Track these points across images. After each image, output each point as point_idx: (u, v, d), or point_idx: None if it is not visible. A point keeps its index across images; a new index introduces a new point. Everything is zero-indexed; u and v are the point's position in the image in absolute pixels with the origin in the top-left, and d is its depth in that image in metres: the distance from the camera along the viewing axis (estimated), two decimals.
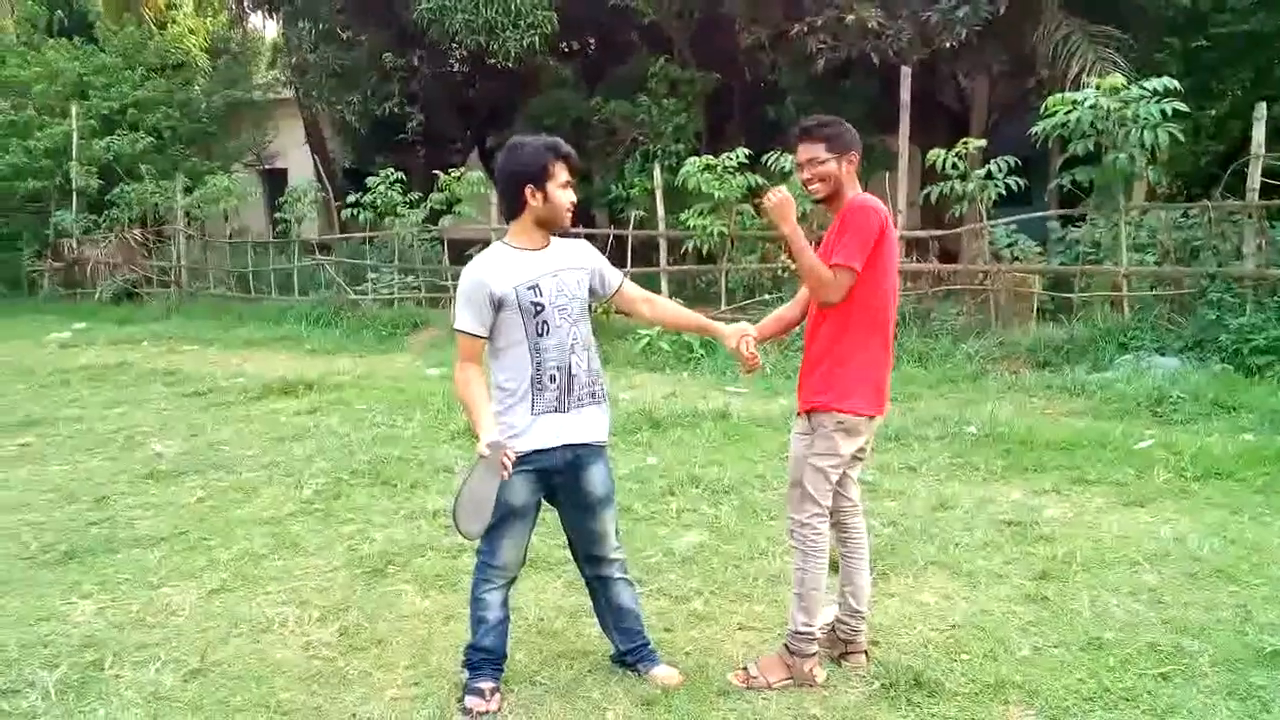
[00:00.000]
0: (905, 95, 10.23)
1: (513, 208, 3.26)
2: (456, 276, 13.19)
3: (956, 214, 10.02)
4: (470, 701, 3.29)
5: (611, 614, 3.52)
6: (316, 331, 12.71)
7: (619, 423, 7.13)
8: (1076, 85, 9.88)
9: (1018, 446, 6.24)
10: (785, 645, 3.45)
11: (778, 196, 3.36)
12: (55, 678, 3.56)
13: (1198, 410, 6.89)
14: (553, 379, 3.20)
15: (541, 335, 3.19)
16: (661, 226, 12.00)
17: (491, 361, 3.28)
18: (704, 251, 11.47)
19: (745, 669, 3.47)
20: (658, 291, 11.53)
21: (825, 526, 3.42)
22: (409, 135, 16.21)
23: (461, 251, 13.78)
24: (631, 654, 3.51)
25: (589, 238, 13.02)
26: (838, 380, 3.33)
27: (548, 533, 4.89)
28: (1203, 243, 8.93)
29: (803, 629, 3.41)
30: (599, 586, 3.51)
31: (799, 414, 3.48)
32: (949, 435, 6.60)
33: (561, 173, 3.23)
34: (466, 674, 3.39)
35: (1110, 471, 5.70)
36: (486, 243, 13.92)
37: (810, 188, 3.39)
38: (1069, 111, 8.59)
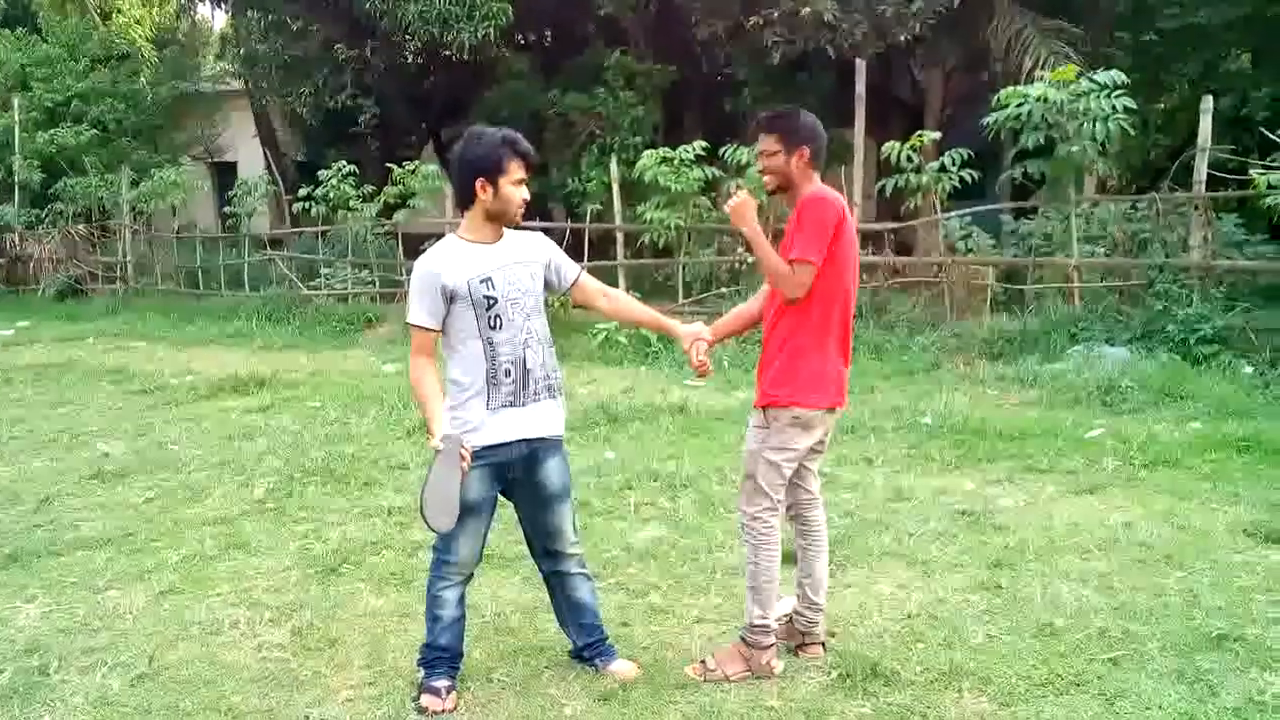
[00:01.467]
0: (860, 88, 10.28)
1: (464, 198, 3.23)
2: (411, 271, 13.04)
3: (911, 206, 10.11)
4: (426, 700, 3.26)
5: (569, 609, 3.50)
6: (268, 328, 12.50)
7: (577, 417, 7.10)
8: (1029, 79, 10.00)
9: (972, 437, 6.31)
10: (742, 638, 3.46)
11: (738, 199, 3.39)
12: (1, 683, 3.48)
13: (1146, 399, 7.01)
14: (507, 373, 3.17)
15: (495, 329, 3.16)
16: (618, 220, 11.96)
17: (446, 355, 3.25)
18: (661, 245, 11.46)
19: (703, 662, 3.47)
20: (615, 285, 11.51)
21: (776, 520, 3.42)
22: (362, 128, 16.01)
23: (416, 246, 13.60)
24: (589, 649, 3.49)
25: (545, 231, 12.96)
26: (794, 374, 3.33)
27: (504, 529, 4.85)
28: (1151, 234, 9.09)
29: (758, 621, 3.41)
30: (556, 582, 3.49)
31: (755, 407, 3.48)
32: (905, 426, 6.66)
33: (516, 169, 3.19)
34: (422, 673, 3.35)
35: (1061, 460, 5.78)
36: (441, 236, 13.82)
37: (763, 179, 3.42)
38: (1020, 104, 8.68)
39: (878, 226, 11.19)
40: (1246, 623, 3.62)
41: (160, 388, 8.91)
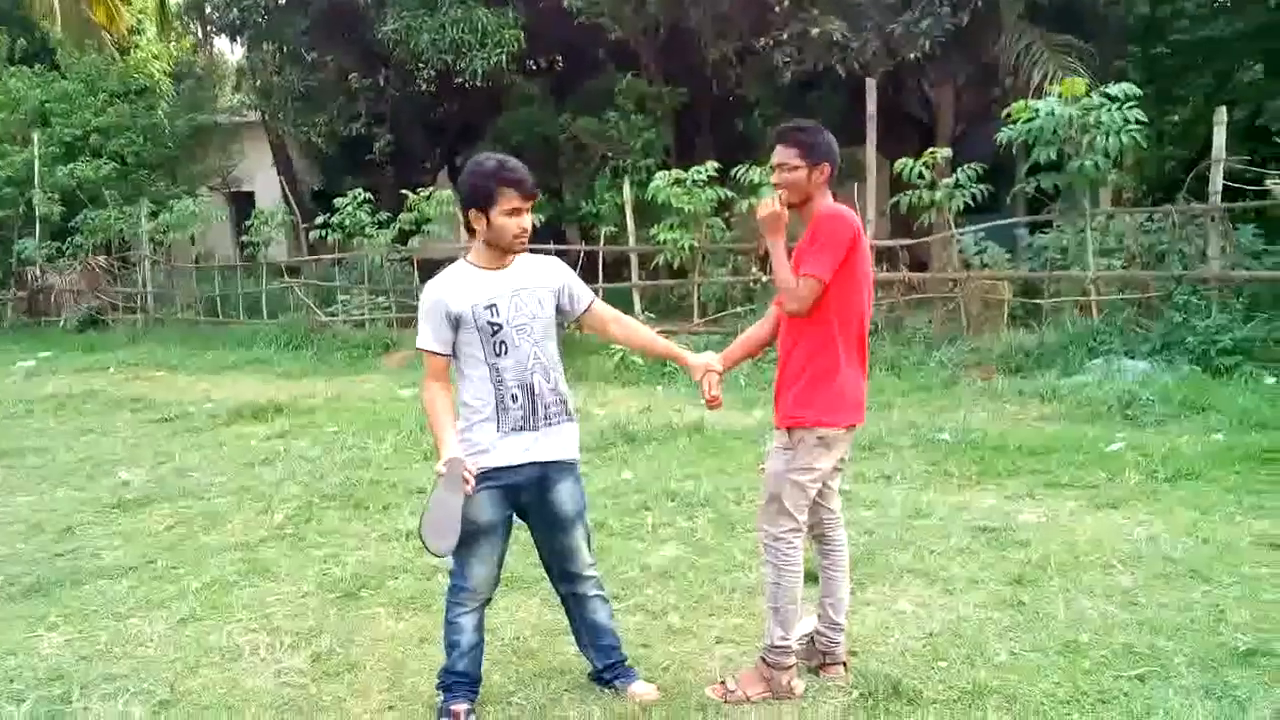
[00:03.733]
0: (871, 106, 10.31)
1: (467, 227, 3.25)
2: None
3: (925, 223, 10.10)
4: None
5: (587, 631, 3.49)
6: (286, 355, 12.59)
7: (593, 438, 7.10)
8: (1039, 93, 10.00)
9: (991, 452, 6.26)
10: (762, 658, 3.43)
11: (769, 209, 3.34)
12: (23, 712, 3.49)
13: (1167, 412, 6.94)
14: (514, 398, 3.18)
15: (500, 355, 3.17)
16: (632, 241, 12.01)
17: (458, 379, 3.26)
18: (675, 265, 11.48)
19: (723, 683, 3.44)
20: (630, 307, 11.53)
21: (800, 541, 3.39)
22: (377, 155, 16.16)
23: (432, 271, 13.72)
24: (609, 671, 3.48)
25: (560, 254, 13.00)
26: (817, 395, 3.30)
27: (523, 551, 4.85)
28: (1168, 246, 9.04)
29: (779, 642, 3.38)
30: (574, 604, 3.48)
31: (777, 429, 3.45)
32: (923, 443, 6.62)
33: (508, 200, 3.14)
34: (441, 696, 3.34)
35: (1082, 475, 5.73)
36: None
37: (778, 192, 3.39)
38: (1030, 119, 8.67)
39: (892, 243, 11.19)
40: (1274, 637, 3.57)
41: (180, 416, 8.97)
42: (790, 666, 3.41)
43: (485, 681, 3.46)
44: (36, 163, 17.03)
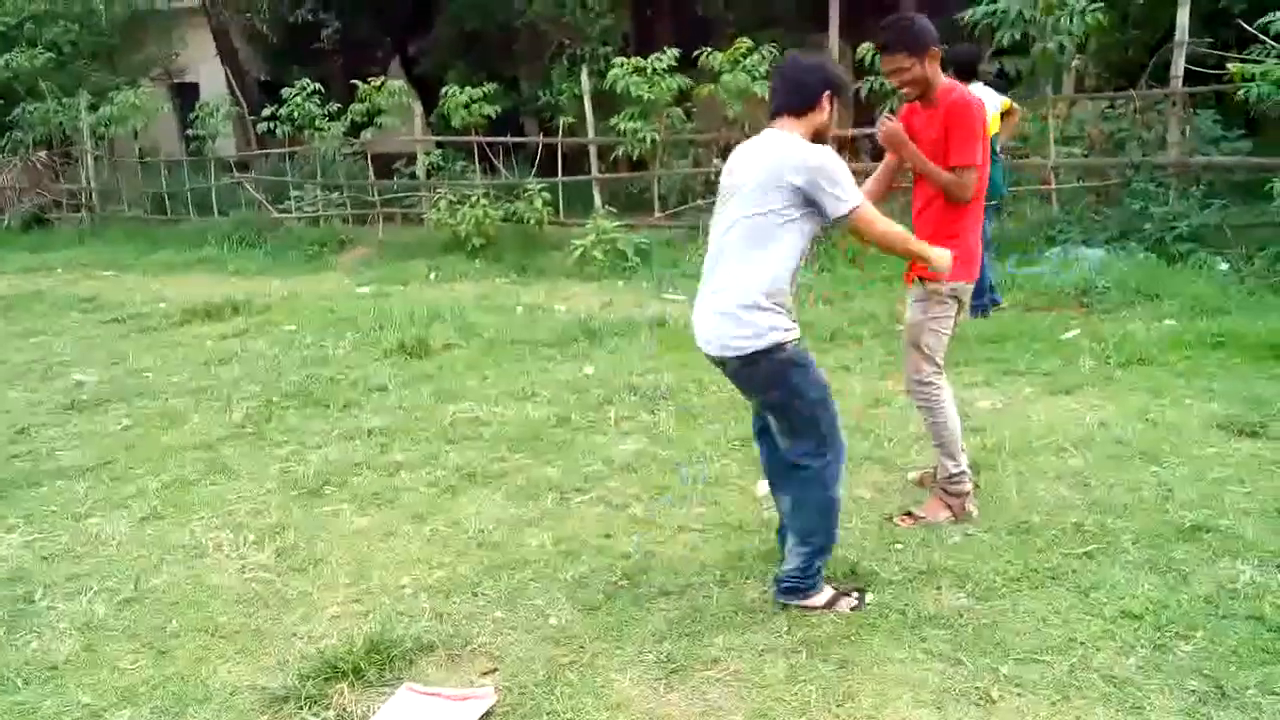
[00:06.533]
0: None
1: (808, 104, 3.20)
2: (383, 192, 12.86)
3: (887, 110, 9.95)
4: (845, 604, 3.25)
5: None
6: (239, 253, 12.33)
7: (554, 334, 7.09)
8: None
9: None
10: (943, 489, 3.81)
11: (886, 126, 3.60)
12: None
13: (1122, 299, 7.03)
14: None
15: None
16: (591, 133, 11.73)
17: (770, 255, 3.07)
18: (635, 158, 11.27)
19: (910, 514, 3.84)
20: (589, 201, 11.36)
21: (942, 380, 3.75)
22: (325, 44, 15.56)
23: (387, 165, 13.39)
24: None
25: (518, 147, 12.70)
26: (954, 252, 3.46)
27: (488, 446, 4.87)
28: (1129, 133, 9.01)
29: (954, 472, 3.77)
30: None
31: (921, 280, 3.69)
32: (882, 333, 6.67)
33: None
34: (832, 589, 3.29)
35: (1038, 362, 5.81)
36: (412, 157, 13.32)
37: (903, 92, 3.63)
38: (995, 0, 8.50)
39: (854, 132, 11.05)
40: (1219, 514, 3.69)
41: (132, 316, 8.81)
42: (968, 492, 3.80)
43: (452, 572, 3.49)
44: None
